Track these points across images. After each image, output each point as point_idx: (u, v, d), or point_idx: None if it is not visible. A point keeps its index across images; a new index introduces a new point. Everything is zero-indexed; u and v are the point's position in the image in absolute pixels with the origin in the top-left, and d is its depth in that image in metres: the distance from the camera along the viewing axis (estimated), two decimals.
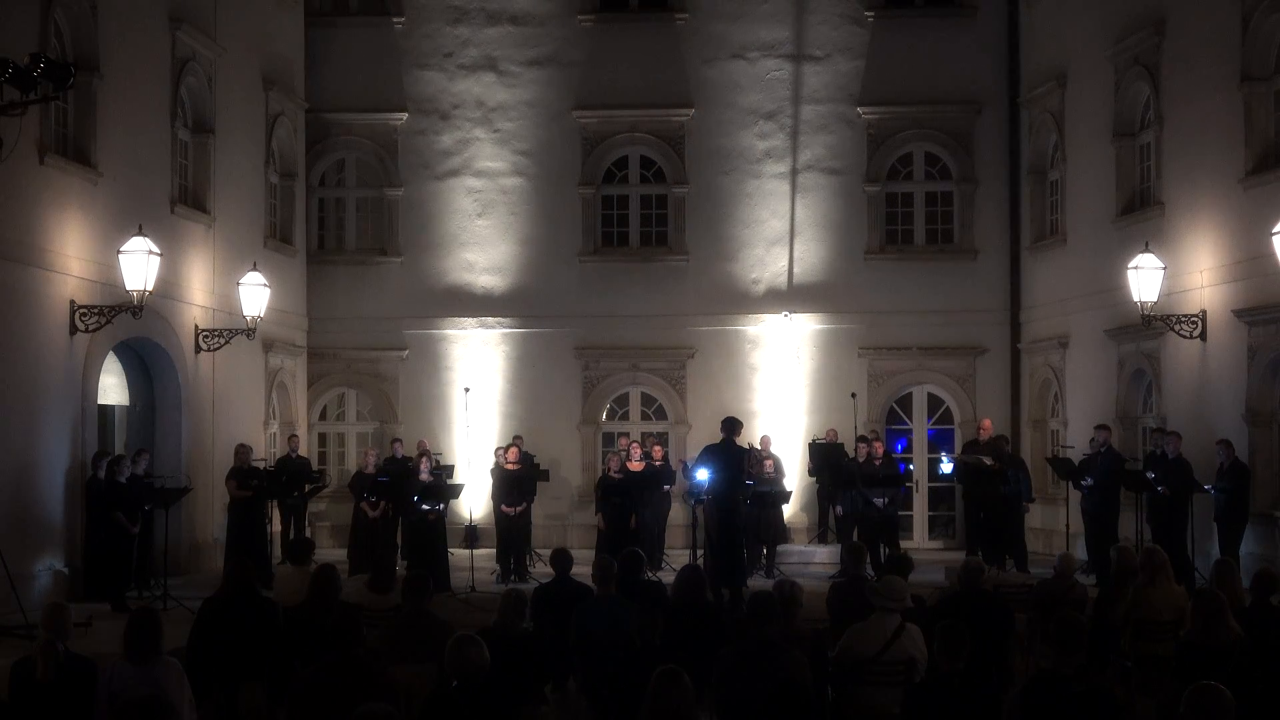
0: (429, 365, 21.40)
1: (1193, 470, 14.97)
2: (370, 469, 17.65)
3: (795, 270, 21.27)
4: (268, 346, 19.49)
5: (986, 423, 18.93)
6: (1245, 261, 15.18)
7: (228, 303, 18.01)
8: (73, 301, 14.72)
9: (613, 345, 21.24)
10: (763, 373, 21.19)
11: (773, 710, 6.90)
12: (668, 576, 12.98)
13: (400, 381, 21.46)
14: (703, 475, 14.59)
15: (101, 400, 15.93)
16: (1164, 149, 17.15)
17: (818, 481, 19.44)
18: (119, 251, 14.76)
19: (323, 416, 21.97)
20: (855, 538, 16.09)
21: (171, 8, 16.99)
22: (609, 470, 17.40)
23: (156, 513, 15.09)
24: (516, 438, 19.14)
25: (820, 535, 19.59)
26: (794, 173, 21.31)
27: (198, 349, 17.51)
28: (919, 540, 20.63)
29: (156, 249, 14.80)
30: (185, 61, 17.32)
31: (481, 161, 21.51)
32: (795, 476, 19.99)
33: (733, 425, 14.80)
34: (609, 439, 21.28)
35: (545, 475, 18.29)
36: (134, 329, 15.51)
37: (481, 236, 21.48)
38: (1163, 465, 15.18)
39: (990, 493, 17.49)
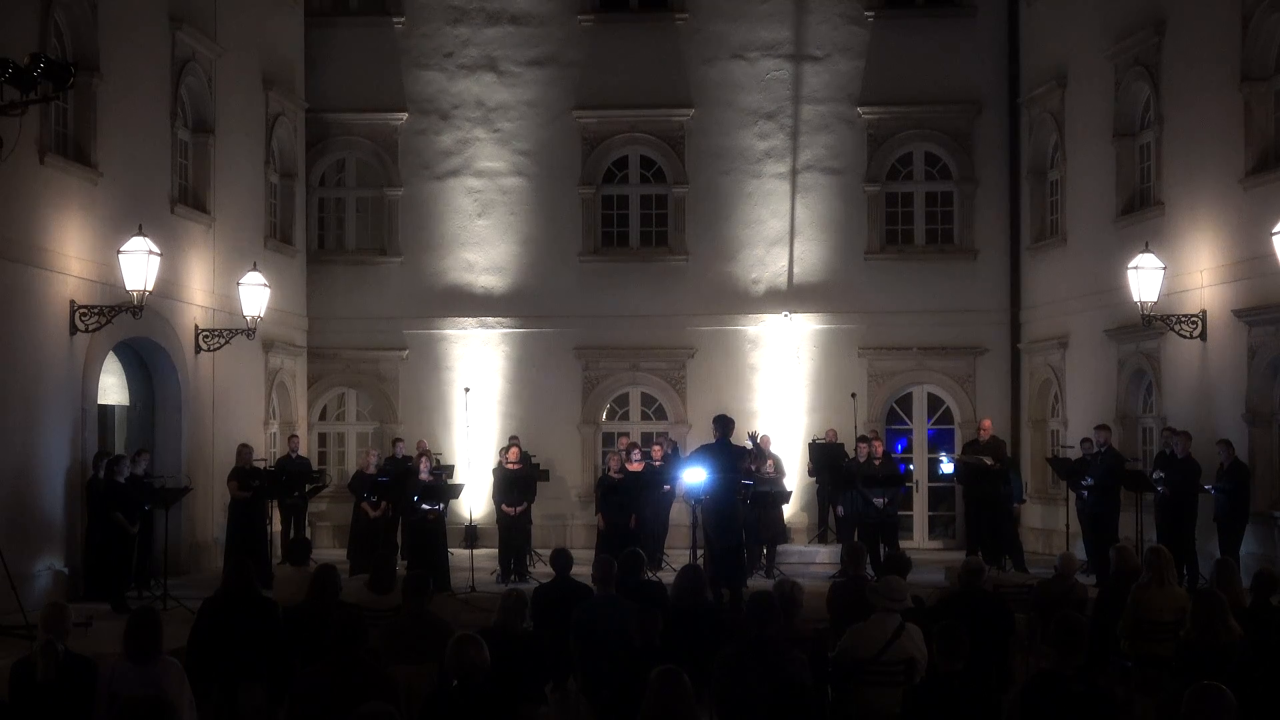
0: (429, 365, 21.40)
1: (1200, 471, 14.98)
2: (370, 469, 17.67)
3: (795, 270, 21.27)
4: (268, 346, 19.48)
5: (987, 423, 18.89)
6: (1245, 261, 15.18)
7: (228, 303, 18.01)
8: (73, 301, 14.73)
9: (613, 345, 21.24)
10: (763, 373, 21.19)
11: (773, 710, 6.90)
12: (668, 576, 12.98)
13: (400, 381, 21.46)
14: (698, 475, 14.36)
15: (101, 400, 15.93)
16: (1164, 149, 17.14)
17: (818, 481, 19.43)
18: (119, 251, 14.76)
19: (323, 416, 21.97)
20: (855, 538, 16.09)
21: (171, 8, 16.99)
22: (609, 470, 17.39)
23: (156, 513, 15.09)
24: (513, 438, 19.11)
25: (820, 535, 19.59)
26: (794, 173, 21.30)
27: (198, 349, 17.51)
28: (919, 540, 20.62)
29: (156, 249, 14.81)
30: (185, 61, 17.32)
31: (481, 161, 21.51)
32: (795, 476, 19.98)
33: (726, 423, 14.72)
34: (609, 439, 21.27)
35: (545, 475, 18.30)
36: (134, 329, 15.51)
37: (481, 236, 21.48)
38: (1172, 465, 15.19)
39: (990, 493, 17.49)
